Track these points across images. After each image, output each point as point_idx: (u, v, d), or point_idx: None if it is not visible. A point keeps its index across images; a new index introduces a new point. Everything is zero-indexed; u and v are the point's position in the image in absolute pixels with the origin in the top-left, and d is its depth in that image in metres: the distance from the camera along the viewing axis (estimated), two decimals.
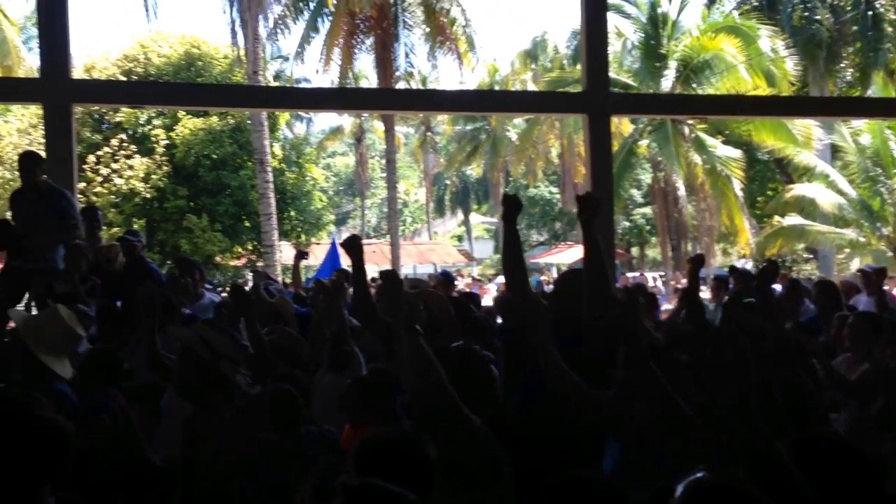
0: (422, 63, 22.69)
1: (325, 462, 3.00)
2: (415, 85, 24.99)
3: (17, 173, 20.46)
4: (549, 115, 24.47)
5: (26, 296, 6.25)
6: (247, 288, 5.12)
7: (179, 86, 15.95)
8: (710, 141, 20.46)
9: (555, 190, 38.77)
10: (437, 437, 2.30)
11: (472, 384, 2.72)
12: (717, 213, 20.93)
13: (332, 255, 11.82)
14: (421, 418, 2.60)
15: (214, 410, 2.90)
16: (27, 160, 6.29)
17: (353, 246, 3.77)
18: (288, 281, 11.02)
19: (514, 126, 34.96)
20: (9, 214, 6.34)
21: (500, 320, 5.75)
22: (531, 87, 30.80)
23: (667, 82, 20.16)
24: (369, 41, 21.44)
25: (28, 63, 19.88)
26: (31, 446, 1.79)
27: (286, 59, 36.33)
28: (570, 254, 29.39)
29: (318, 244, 24.56)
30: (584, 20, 7.88)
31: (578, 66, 15.74)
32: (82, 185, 19.49)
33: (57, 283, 5.54)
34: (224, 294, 8.86)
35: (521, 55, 34.92)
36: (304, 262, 8.93)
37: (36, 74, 8.09)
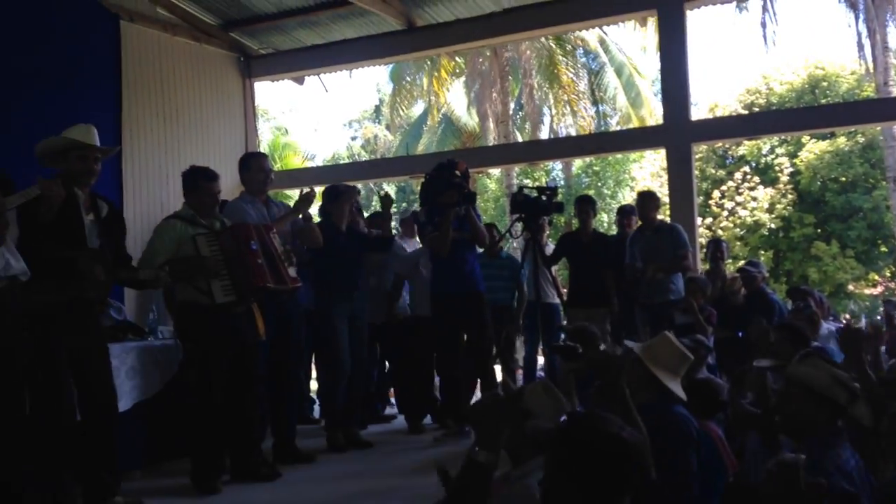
0: None
1: None
2: None
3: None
4: None
5: None
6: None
7: (795, 111, 15.49)
8: None
9: None
10: None
11: None
12: None
13: None
14: None
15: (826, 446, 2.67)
16: (641, 199, 6.93)
17: None
18: None
19: None
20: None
21: None
22: None
23: None
24: None
25: (658, 112, 21.64)
26: (614, 463, 1.90)
27: None
28: None
29: None
30: None
31: None
32: (709, 220, 20.26)
33: (676, 313, 5.83)
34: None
35: None
36: None
37: (661, 121, 8.79)
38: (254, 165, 5.31)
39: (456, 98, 21.40)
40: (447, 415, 6.18)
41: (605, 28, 19.03)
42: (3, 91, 5.81)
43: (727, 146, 21.21)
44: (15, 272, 3.51)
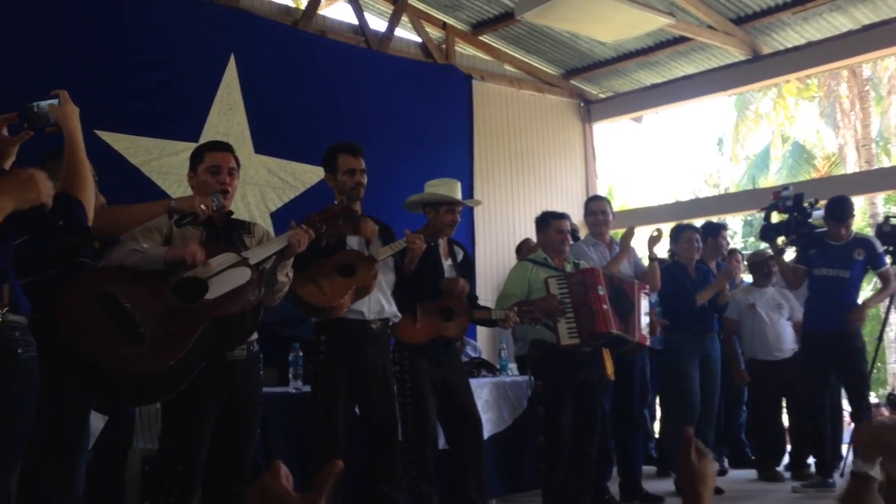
0: None
1: None
2: None
3: None
4: None
5: None
6: None
7: None
8: None
9: None
10: None
11: None
12: None
13: None
14: None
15: None
16: None
17: None
18: None
19: None
20: None
21: None
22: None
23: None
24: None
25: None
26: None
27: None
28: None
29: None
30: None
31: None
32: None
33: None
34: None
35: None
36: None
37: None
38: (595, 209, 5.48)
39: (808, 123, 19.91)
40: (803, 464, 5.77)
41: None
42: (382, 150, 6.65)
43: None
44: (387, 315, 4.01)
